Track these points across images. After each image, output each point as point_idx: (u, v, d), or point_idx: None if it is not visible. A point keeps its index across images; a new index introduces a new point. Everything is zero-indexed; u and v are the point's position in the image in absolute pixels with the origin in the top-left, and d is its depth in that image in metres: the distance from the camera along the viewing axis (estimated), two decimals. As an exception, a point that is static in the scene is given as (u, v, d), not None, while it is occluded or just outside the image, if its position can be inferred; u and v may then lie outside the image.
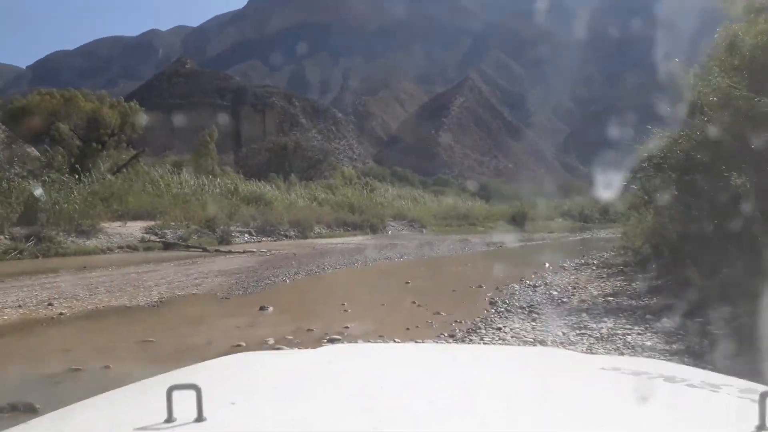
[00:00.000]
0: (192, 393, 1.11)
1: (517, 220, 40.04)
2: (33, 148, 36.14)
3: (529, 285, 10.22)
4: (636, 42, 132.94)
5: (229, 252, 18.99)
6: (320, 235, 27.61)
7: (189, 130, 78.32)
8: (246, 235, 25.08)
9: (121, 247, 19.50)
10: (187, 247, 20.19)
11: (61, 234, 18.38)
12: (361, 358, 1.93)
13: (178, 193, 30.86)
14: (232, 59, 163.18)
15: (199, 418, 1.10)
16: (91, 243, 18.99)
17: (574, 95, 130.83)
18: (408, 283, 11.00)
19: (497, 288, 9.75)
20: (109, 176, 31.63)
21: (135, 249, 19.62)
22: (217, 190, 34.97)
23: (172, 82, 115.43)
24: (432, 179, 76.74)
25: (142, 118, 38.61)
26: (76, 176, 31.04)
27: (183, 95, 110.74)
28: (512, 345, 4.78)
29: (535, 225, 39.07)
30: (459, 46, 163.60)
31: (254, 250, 19.43)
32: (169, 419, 1.10)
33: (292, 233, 26.79)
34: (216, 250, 19.44)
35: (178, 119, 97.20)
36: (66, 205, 18.60)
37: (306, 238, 26.25)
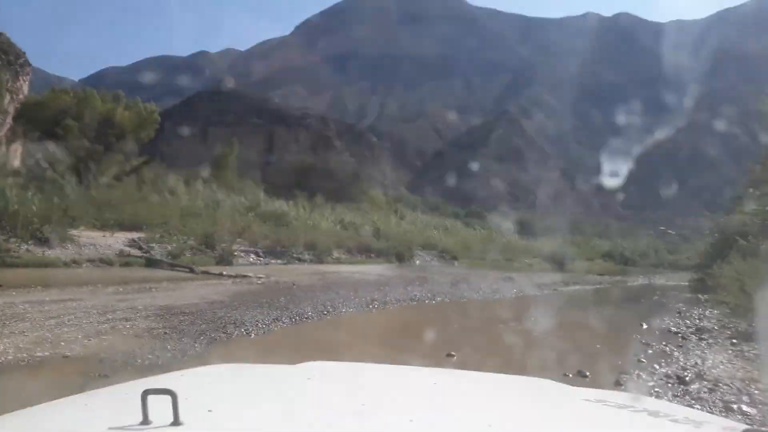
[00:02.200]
0: (168, 399, 1.06)
1: (557, 260, 35.80)
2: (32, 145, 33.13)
3: (663, 375, 5.92)
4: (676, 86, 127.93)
5: (220, 275, 15.00)
6: (338, 261, 23.46)
7: (222, 147, 75.86)
8: (252, 255, 21.09)
9: (92, 261, 15.61)
10: (172, 266, 16.27)
11: (11, 240, 14.57)
12: (341, 375, 1.87)
13: (187, 206, 27.33)
14: (274, 83, 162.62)
15: (175, 422, 1.05)
16: (52, 253, 15.13)
17: (614, 130, 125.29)
18: (451, 356, 6.68)
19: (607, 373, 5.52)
20: (107, 180, 28.25)
21: (109, 264, 15.74)
22: (231, 204, 31.44)
23: (212, 101, 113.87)
24: (465, 210, 72.13)
25: (157, 121, 35.49)
26: (77, 178, 27.91)
27: (220, 113, 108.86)
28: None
29: (575, 265, 35.20)
30: (498, 78, 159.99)
31: (250, 274, 15.34)
32: (145, 422, 1.06)
33: (306, 257, 22.72)
34: (204, 272, 15.44)
35: (213, 136, 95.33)
36: (16, 207, 14.74)
37: (321, 263, 22.14)
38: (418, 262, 28.45)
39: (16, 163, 32.91)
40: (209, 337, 7.11)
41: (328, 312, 9.79)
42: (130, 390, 1.32)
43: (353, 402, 1.35)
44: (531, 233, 52.98)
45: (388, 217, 36.07)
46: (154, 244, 17.94)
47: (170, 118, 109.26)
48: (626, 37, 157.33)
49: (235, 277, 14.62)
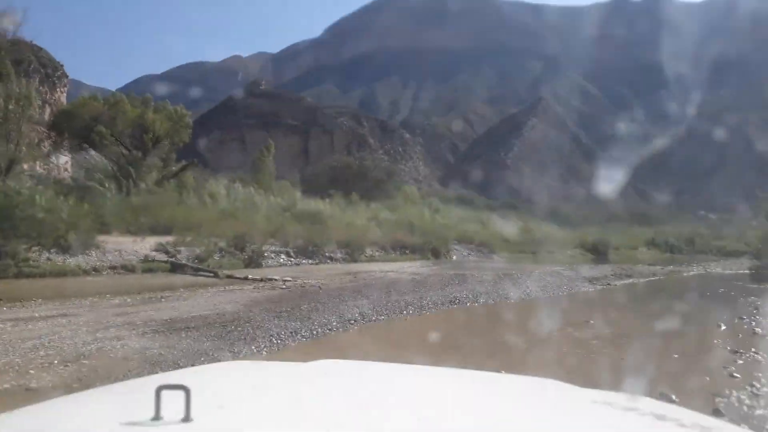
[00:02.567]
0: (181, 395, 1.07)
1: (600, 249, 34.04)
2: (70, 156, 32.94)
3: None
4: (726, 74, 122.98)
5: (245, 279, 14.00)
6: (372, 259, 22.32)
7: (259, 149, 76.05)
8: (282, 256, 20.09)
9: (113, 268, 14.78)
10: (196, 270, 15.36)
11: (34, 249, 13.82)
12: (354, 374, 1.87)
13: (226, 208, 26.72)
14: (307, 83, 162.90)
15: (186, 418, 1.06)
16: (73, 261, 14.35)
17: (652, 118, 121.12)
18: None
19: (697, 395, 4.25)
20: (146, 186, 27.93)
21: (131, 270, 14.89)
22: (268, 205, 30.80)
23: (247, 103, 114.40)
24: (499, 202, 70.15)
25: (190, 124, 34.85)
26: (118, 185, 27.61)
27: (256, 115, 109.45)
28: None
29: (620, 255, 33.42)
30: (531, 67, 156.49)
31: (276, 277, 14.30)
32: (156, 417, 1.06)
33: (339, 255, 21.64)
34: (228, 276, 14.46)
35: (250, 138, 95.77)
36: (42, 215, 13.92)
37: (355, 261, 21.04)
38: (454, 257, 27.11)
39: (66, 174, 32.90)
40: (211, 357, 6.09)
41: (355, 321, 8.66)
42: (143, 386, 1.34)
43: (362, 400, 1.36)
44: (568, 223, 51.32)
45: (422, 212, 34.71)
46: (181, 248, 17.11)
47: (208, 123, 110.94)
48: (661, 20, 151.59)
49: (260, 281, 13.61)
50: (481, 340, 8.05)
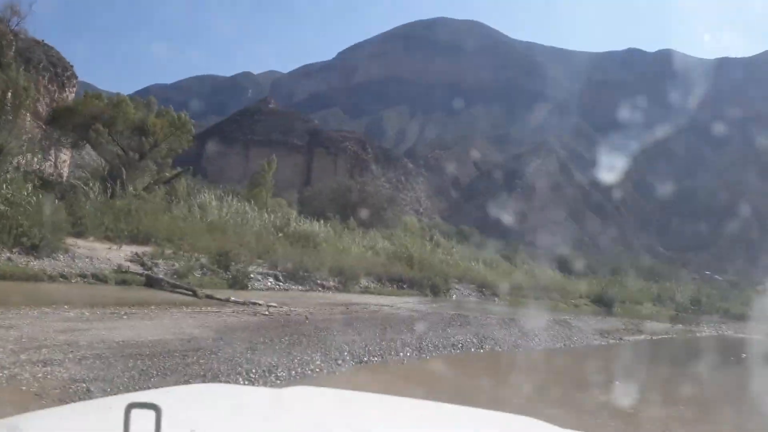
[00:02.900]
0: (151, 416, 1.04)
1: (605, 301, 32.99)
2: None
3: None
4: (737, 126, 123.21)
5: (226, 300, 12.69)
6: (367, 290, 20.97)
7: (261, 164, 75.52)
8: (270, 279, 18.77)
9: (84, 276, 13.43)
10: (174, 286, 14.01)
11: (-8, 247, 12.56)
12: (331, 402, 1.86)
13: (214, 221, 25.48)
14: (314, 105, 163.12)
15: None
16: (38, 265, 13.03)
17: (657, 171, 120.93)
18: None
19: None
20: (134, 190, 26.85)
21: (103, 280, 13.55)
22: (261, 222, 29.59)
23: (254, 119, 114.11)
24: (502, 242, 68.84)
25: (192, 132, 33.93)
26: (105, 185, 26.69)
27: (262, 132, 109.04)
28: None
29: (625, 308, 32.33)
30: (539, 108, 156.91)
31: (260, 302, 12.99)
32: None
33: (331, 283, 20.31)
34: (208, 296, 13.14)
35: (254, 155, 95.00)
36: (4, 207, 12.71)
37: (348, 291, 19.70)
38: (454, 296, 25.78)
39: (65, 172, 31.73)
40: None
41: (343, 361, 7.39)
42: (114, 403, 1.26)
43: (336, 429, 1.30)
44: (570, 271, 50.31)
45: (423, 245, 33.43)
46: (159, 261, 15.82)
47: (213, 136, 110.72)
48: (671, 73, 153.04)
49: (242, 304, 12.31)
50: (491, 395, 6.78)
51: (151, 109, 33.36)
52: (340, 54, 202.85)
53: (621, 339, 15.28)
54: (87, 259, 14.11)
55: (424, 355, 8.74)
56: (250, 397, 1.79)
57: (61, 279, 12.64)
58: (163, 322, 8.39)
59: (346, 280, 20.15)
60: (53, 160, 32.38)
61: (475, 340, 10.36)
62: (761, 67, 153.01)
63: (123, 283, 13.54)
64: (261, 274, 18.31)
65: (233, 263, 16.95)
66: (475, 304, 22.78)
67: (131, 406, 1.01)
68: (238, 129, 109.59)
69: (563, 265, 51.66)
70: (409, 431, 1.42)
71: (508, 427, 1.78)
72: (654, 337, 17.21)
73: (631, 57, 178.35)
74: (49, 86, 42.12)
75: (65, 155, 32.57)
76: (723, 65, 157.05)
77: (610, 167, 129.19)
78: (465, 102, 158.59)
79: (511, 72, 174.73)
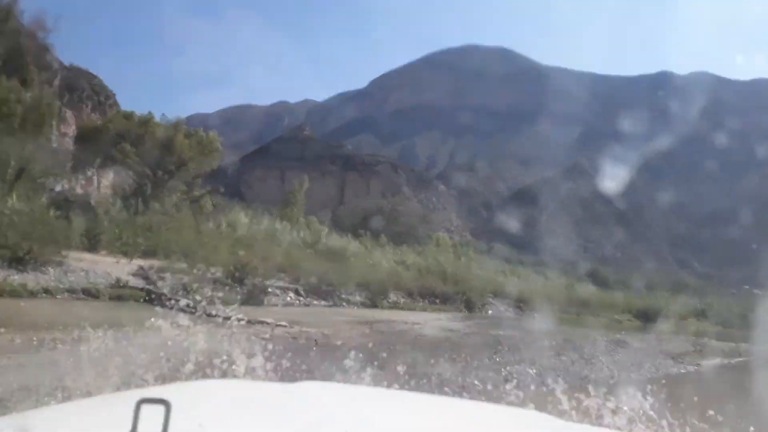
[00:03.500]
0: (161, 411, 1.01)
1: (649, 316, 29.73)
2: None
3: None
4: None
5: (226, 319, 10.41)
6: (396, 305, 18.52)
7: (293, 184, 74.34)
8: (291, 294, 16.46)
9: (72, 291, 11.28)
10: (173, 302, 11.77)
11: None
12: (339, 397, 1.76)
13: (242, 236, 23.52)
14: (349, 132, 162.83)
15: None
16: (20, 278, 10.94)
17: (690, 190, 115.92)
18: None
19: None
20: (161, 207, 25.21)
21: (94, 296, 11.36)
22: (291, 238, 27.61)
23: (290, 147, 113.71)
24: (533, 259, 65.47)
25: (220, 152, 32.32)
26: (132, 202, 25.14)
27: (297, 158, 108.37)
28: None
29: (671, 325, 28.98)
30: (569, 132, 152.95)
31: (269, 320, 10.69)
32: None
33: (357, 298, 17.92)
34: (208, 315, 10.86)
35: (290, 179, 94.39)
36: None
37: (375, 306, 17.25)
38: (490, 311, 23.06)
39: (93, 190, 30.55)
40: None
41: None
42: (124, 398, 1.25)
43: (345, 423, 1.30)
44: (605, 285, 47.00)
45: (457, 259, 30.84)
46: (166, 274, 13.70)
47: (251, 162, 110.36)
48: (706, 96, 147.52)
49: (249, 323, 10.06)
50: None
51: (178, 129, 31.78)
52: (372, 82, 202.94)
53: (698, 365, 12.36)
54: (82, 273, 12.11)
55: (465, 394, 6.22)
56: (259, 392, 1.72)
57: (44, 294, 10.61)
58: (97, 354, 6.11)
59: (373, 295, 17.76)
60: (82, 178, 31.21)
61: (530, 375, 7.67)
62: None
63: (118, 298, 11.45)
64: (280, 288, 16.07)
65: (249, 277, 14.71)
66: (515, 321, 20.02)
67: (141, 402, 0.97)
68: (275, 156, 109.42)
69: (595, 280, 48.33)
70: (415, 425, 1.34)
71: (516, 420, 1.68)
72: (732, 361, 14.17)
73: (663, 78, 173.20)
74: (93, 114, 41.56)
75: (92, 173, 31.39)
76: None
77: (643, 187, 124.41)
78: (494, 126, 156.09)
79: (540, 96, 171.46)
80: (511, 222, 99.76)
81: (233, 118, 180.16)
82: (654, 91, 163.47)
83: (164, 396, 1.04)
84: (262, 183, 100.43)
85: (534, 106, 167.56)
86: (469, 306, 21.60)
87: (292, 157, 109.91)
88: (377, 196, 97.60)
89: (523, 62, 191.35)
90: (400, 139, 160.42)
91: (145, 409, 0.98)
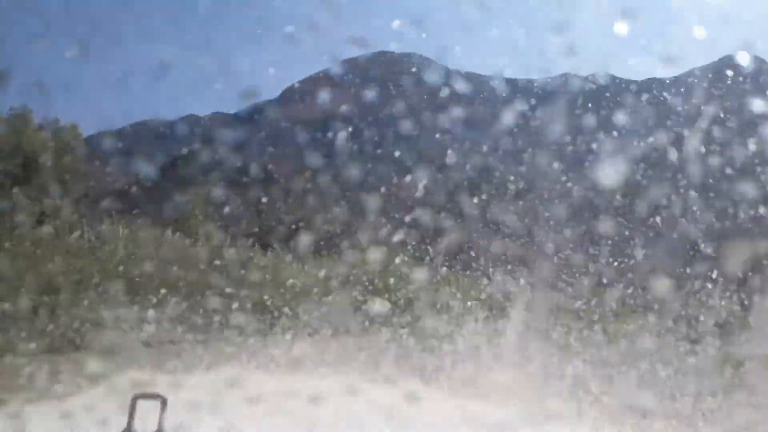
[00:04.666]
0: (156, 406, 1.06)
1: None
2: None
3: None
4: None
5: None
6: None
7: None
8: (151, 324, 11.24)
9: None
10: None
11: None
12: (336, 394, 1.94)
13: (109, 251, 17.97)
14: (261, 144, 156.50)
15: (160, 430, 1.12)
16: None
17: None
18: None
19: None
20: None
21: None
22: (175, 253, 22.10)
23: (198, 159, 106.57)
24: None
25: (81, 147, 26.82)
26: None
27: (205, 172, 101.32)
28: None
29: None
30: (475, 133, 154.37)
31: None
32: (129, 429, 1.13)
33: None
34: None
35: (197, 196, 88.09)
36: None
37: (272, 343, 12.18)
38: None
39: None
40: None
41: None
42: (118, 396, 1.28)
43: (342, 419, 1.58)
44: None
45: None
46: None
47: (159, 176, 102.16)
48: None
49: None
50: None
51: (28, 124, 25.96)
52: (285, 91, 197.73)
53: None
54: None
55: None
56: (259, 385, 1.54)
57: None
58: None
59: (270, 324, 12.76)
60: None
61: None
62: None
63: None
64: (131, 320, 10.86)
65: (60, 310, 9.39)
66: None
67: (137, 397, 0.96)
68: (183, 171, 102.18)
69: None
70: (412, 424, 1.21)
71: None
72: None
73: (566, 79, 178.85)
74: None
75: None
76: None
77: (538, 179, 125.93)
78: (400, 136, 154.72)
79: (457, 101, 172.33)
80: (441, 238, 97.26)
81: (139, 133, 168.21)
82: (561, 92, 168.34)
83: (164, 390, 0.84)
84: (169, 197, 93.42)
85: (447, 112, 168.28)
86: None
87: (202, 173, 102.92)
88: (299, 208, 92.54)
89: (435, 67, 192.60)
90: (318, 148, 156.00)
91: (142, 404, 0.96)
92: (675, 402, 7.64)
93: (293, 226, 45.10)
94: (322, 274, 22.12)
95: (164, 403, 1.21)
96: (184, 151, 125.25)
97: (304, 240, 37.74)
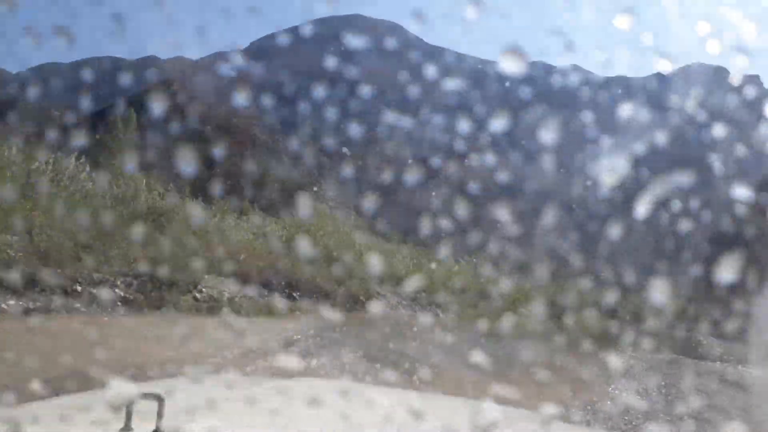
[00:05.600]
0: (154, 405, 1.03)
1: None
2: None
3: None
4: None
5: None
6: (208, 303, 10.25)
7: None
8: None
9: None
10: None
11: None
12: (332, 393, 1.77)
13: None
14: (222, 93, 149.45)
15: (157, 430, 1.08)
16: None
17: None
18: None
19: None
20: None
21: None
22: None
23: (150, 102, 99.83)
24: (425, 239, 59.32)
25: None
26: None
27: (159, 118, 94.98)
28: None
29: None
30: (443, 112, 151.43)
31: None
32: (126, 428, 1.07)
33: (122, 291, 9.43)
34: None
35: (152, 141, 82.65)
36: None
37: (159, 308, 8.90)
38: (374, 309, 15.73)
39: None
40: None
41: None
42: (120, 393, 1.22)
43: (336, 423, 1.38)
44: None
45: (336, 233, 23.35)
46: None
47: (106, 119, 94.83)
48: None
49: None
50: None
51: None
52: (253, 44, 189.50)
53: None
54: None
55: None
56: (256, 387, 1.46)
57: None
58: None
59: (166, 284, 9.52)
60: None
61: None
62: None
63: None
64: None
65: None
66: (415, 326, 12.89)
67: (135, 396, 0.98)
68: (138, 114, 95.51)
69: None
70: (405, 421, 1.19)
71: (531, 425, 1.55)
72: None
73: (540, 67, 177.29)
74: None
75: None
76: None
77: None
78: (376, 101, 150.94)
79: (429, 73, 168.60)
80: (398, 206, 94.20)
81: (93, 70, 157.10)
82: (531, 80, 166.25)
83: (161, 389, 0.86)
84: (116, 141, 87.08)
85: (420, 84, 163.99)
86: (350, 301, 14.20)
87: (155, 117, 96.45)
88: (252, 162, 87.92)
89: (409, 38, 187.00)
90: (283, 105, 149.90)
91: (143, 404, 0.91)
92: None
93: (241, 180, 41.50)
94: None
95: (161, 402, 0.98)
96: (141, 90, 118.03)
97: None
